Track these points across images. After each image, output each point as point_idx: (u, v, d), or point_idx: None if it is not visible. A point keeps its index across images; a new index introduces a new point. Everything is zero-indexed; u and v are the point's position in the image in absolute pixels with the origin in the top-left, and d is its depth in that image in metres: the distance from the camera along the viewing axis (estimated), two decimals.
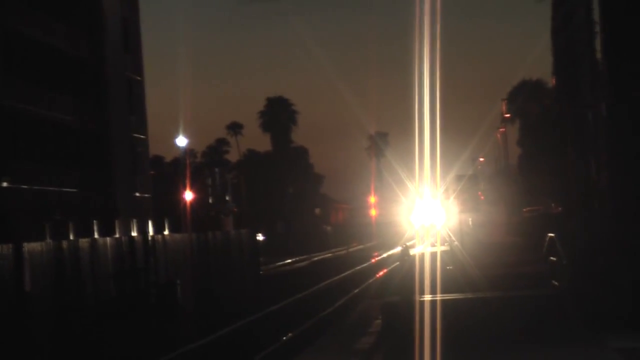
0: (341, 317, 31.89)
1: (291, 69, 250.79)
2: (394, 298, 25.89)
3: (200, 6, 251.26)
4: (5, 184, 49.51)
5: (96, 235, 40.38)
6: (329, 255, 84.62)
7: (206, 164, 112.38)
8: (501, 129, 78.78)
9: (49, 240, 34.24)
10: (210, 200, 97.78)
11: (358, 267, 62.82)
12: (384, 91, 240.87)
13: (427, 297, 25.35)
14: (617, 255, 20.61)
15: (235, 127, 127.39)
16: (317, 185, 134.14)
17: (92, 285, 33.41)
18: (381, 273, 55.78)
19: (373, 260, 72.39)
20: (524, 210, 62.11)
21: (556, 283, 26.86)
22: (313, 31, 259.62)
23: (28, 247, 30.28)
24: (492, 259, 44.95)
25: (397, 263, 57.55)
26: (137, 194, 69.93)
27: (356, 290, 43.58)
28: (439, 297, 26.00)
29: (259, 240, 67.06)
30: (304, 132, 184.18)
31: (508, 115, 71.64)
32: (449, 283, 32.19)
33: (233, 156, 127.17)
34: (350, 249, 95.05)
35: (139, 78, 74.16)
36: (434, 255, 44.58)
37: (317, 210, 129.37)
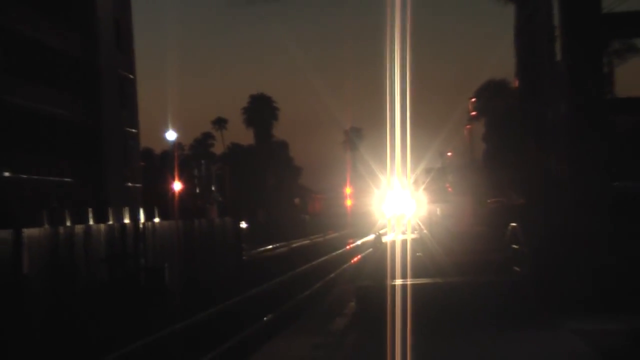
0: (318, 300, 31.93)
1: (273, 67, 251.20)
2: (367, 282, 25.99)
3: (189, 7, 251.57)
4: (6, 174, 49.57)
5: (90, 222, 40.42)
6: (307, 242, 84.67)
7: (193, 156, 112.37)
8: (467, 126, 79.06)
9: (46, 226, 34.32)
10: (197, 190, 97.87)
11: (334, 253, 62.91)
12: (358, 88, 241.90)
13: (398, 282, 25.47)
14: (574, 243, 20.76)
15: (220, 122, 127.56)
16: (296, 177, 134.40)
17: (85, 268, 33.49)
18: (355, 259, 55.87)
19: (348, 247, 72.50)
20: (489, 201, 62.26)
21: (518, 269, 26.99)
22: (293, 32, 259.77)
23: (27, 232, 30.35)
24: (459, 247, 45.04)
25: (370, 249, 57.72)
26: (129, 184, 70.02)
27: (332, 275, 43.65)
28: (409, 281, 26.11)
29: (242, 228, 67.22)
30: (284, 127, 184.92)
31: (474, 113, 71.74)
32: (419, 269, 32.26)
33: (218, 149, 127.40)
34: (327, 237, 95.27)
35: (131, 76, 74.20)
36: (404, 243, 44.67)
37: (296, 200, 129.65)
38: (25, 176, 51.67)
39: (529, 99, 26.31)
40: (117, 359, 21.26)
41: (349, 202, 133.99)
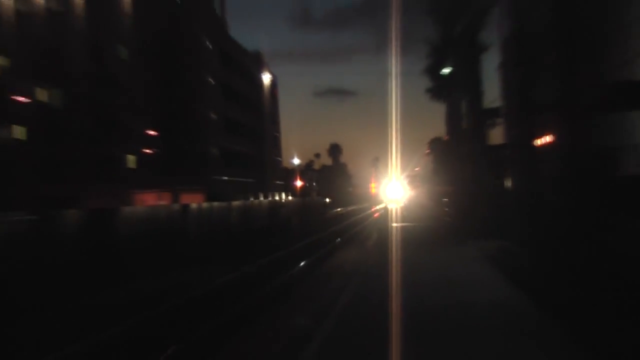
0: (358, 234, 32.01)
1: (343, 125, 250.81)
2: (382, 225, 26.17)
3: (305, 96, 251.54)
4: (225, 178, 50.48)
5: (261, 198, 41.04)
6: (354, 207, 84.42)
7: (305, 169, 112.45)
8: (425, 156, 78.61)
9: (240, 201, 35.00)
10: (307, 185, 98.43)
11: (366, 213, 62.89)
12: (378, 138, 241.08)
13: (395, 225, 25.55)
14: (471, 208, 20.76)
15: (317, 155, 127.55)
16: (350, 179, 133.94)
17: (258, 219, 34.00)
18: (376, 215, 55.79)
19: (372, 210, 72.35)
20: (436, 189, 61.81)
21: (448, 219, 26.91)
22: (349, 109, 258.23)
23: (234, 204, 30.96)
24: (422, 210, 44.81)
25: (383, 210, 57.39)
26: (278, 182, 70.85)
27: (366, 223, 43.67)
28: (400, 224, 26.19)
29: (327, 201, 67.41)
30: (347, 155, 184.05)
31: (428, 150, 70.69)
32: (404, 219, 32.26)
33: (317, 166, 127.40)
34: (361, 206, 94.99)
35: (278, 134, 75.06)
36: (397, 209, 44.41)
37: (350, 189, 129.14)
38: (233, 179, 52.70)
39: (453, 145, 26.22)
40: (273, 261, 21.26)
41: (373, 191, 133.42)
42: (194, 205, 26.80)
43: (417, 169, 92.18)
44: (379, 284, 11.18)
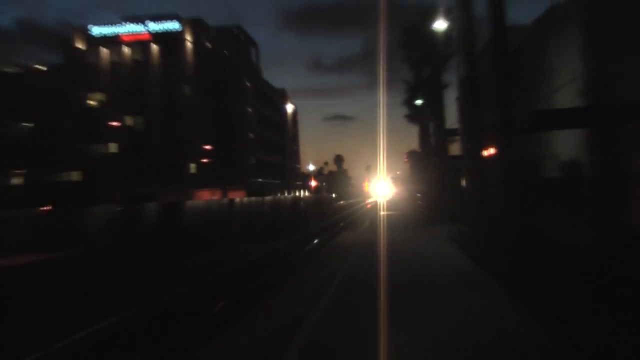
0: (355, 221, 31.77)
1: (345, 142, 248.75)
2: (372, 213, 26.14)
3: (317, 120, 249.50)
4: (260, 180, 50.56)
5: (285, 194, 41.01)
6: (352, 201, 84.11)
7: (318, 173, 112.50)
8: (405, 163, 78.21)
9: (271, 196, 34.94)
10: (319, 184, 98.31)
11: (361, 205, 62.55)
12: (371, 151, 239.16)
13: (382, 213, 25.51)
14: (437, 200, 20.69)
15: (326, 163, 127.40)
16: (349, 180, 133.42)
17: (283, 211, 33.91)
18: (369, 206, 55.57)
19: (365, 202, 71.98)
20: (412, 187, 61.45)
21: (421, 209, 26.84)
22: (352, 130, 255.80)
23: (266, 198, 30.83)
24: (402, 203, 44.68)
25: (374, 203, 57.06)
26: (297, 183, 70.78)
27: (361, 211, 43.37)
28: (386, 213, 26.16)
29: (333, 196, 67.25)
30: (347, 163, 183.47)
31: (406, 159, 70.38)
32: (389, 209, 32.16)
33: (326, 171, 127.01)
34: (357, 199, 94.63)
35: (297, 148, 74.99)
36: (384, 202, 44.18)
37: (349, 188, 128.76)
38: (266, 180, 52.84)
39: (424, 155, 26.17)
40: (296, 239, 21.20)
41: (366, 189, 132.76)
42: (237, 200, 26.96)
43: (398, 172, 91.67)
44: (372, 250, 11.65)
